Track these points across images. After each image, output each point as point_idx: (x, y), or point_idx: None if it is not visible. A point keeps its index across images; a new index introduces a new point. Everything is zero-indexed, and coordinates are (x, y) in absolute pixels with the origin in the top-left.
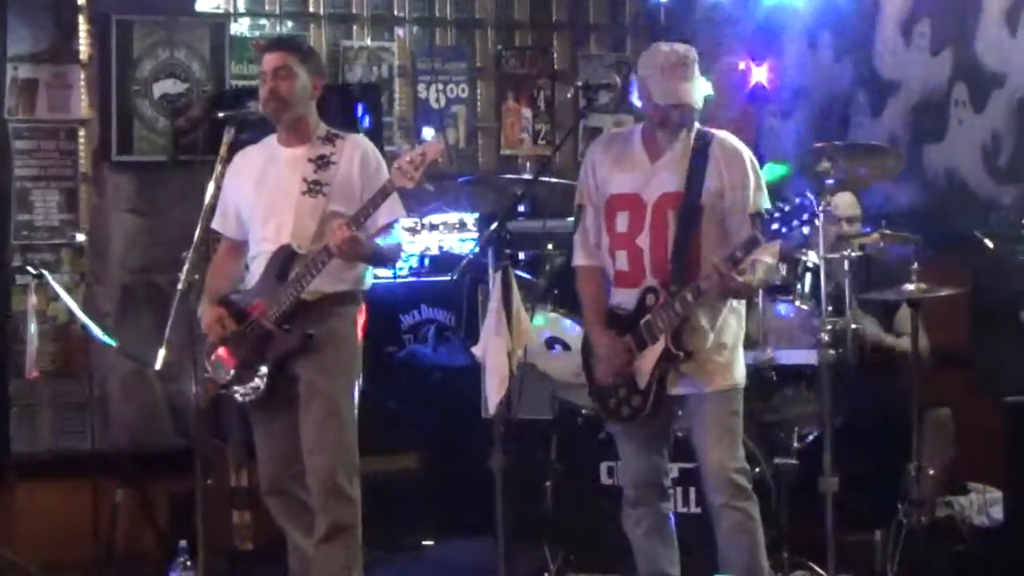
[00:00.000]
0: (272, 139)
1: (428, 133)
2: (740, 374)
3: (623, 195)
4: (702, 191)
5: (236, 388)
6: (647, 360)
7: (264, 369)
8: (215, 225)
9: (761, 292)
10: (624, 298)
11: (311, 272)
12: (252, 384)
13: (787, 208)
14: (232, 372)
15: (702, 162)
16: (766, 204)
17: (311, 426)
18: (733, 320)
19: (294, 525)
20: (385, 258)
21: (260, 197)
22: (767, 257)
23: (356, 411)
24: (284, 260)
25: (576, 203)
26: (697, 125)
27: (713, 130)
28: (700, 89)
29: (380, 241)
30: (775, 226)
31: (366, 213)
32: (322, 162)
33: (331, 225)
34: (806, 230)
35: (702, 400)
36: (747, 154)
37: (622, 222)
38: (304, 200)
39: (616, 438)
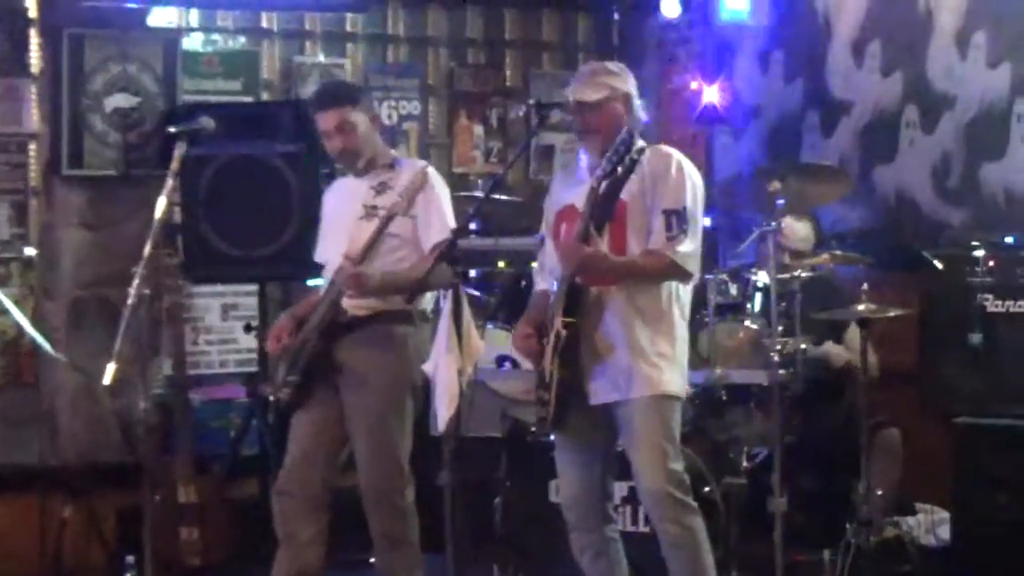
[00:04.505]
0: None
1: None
2: (673, 385)
3: (564, 208)
4: (622, 188)
5: (275, 391)
6: (548, 348)
7: (293, 377)
8: (317, 258)
9: (712, 311)
10: None
11: (341, 289)
12: (285, 389)
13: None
14: (279, 379)
15: (631, 166)
16: (684, 203)
17: (359, 445)
18: (667, 330)
19: (285, 530)
20: (412, 287)
21: (329, 225)
22: (668, 251)
23: (407, 426)
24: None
25: (541, 232)
26: (641, 143)
27: (656, 145)
28: (610, 96)
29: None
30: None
31: (369, 245)
32: (381, 187)
33: (385, 246)
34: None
35: (629, 410)
36: (676, 156)
37: (563, 233)
38: (360, 224)
39: (555, 458)
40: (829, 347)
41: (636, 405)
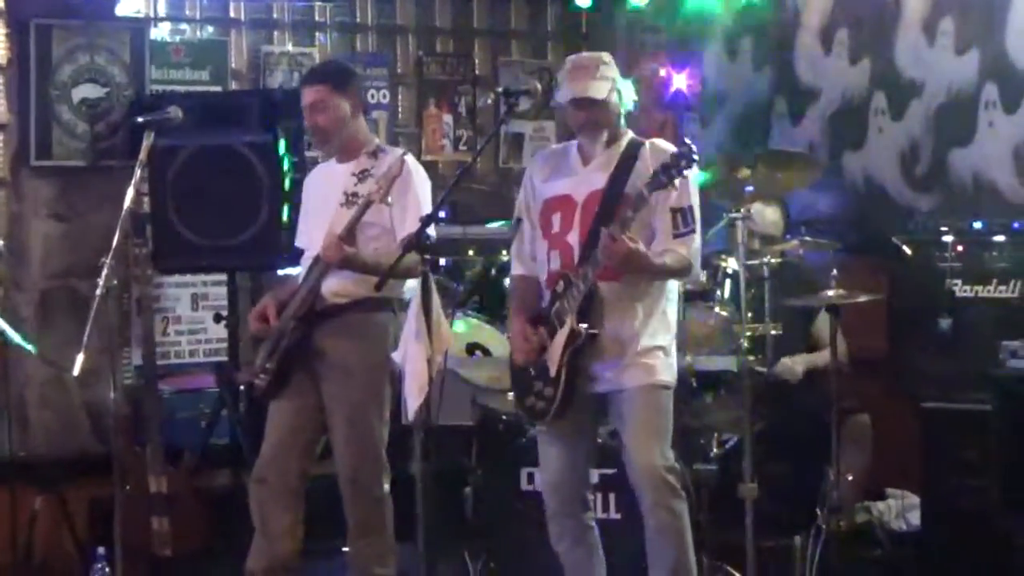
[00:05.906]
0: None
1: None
2: (668, 374)
3: (557, 197)
4: (627, 183)
5: (252, 376)
6: (557, 346)
7: (272, 364)
8: (297, 243)
9: (680, 298)
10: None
11: (320, 276)
12: (263, 375)
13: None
14: (257, 364)
15: (631, 161)
16: (689, 202)
17: (337, 433)
18: (663, 324)
19: (261, 518)
20: (380, 273)
21: (310, 210)
22: (681, 249)
23: (385, 414)
24: (322, 268)
25: (515, 216)
26: (632, 134)
27: (651, 139)
28: (612, 89)
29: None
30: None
31: (352, 223)
32: (363, 175)
33: (364, 235)
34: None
35: (625, 397)
36: None
37: (556, 222)
38: (340, 211)
39: (539, 444)
40: (783, 364)
41: (633, 393)
